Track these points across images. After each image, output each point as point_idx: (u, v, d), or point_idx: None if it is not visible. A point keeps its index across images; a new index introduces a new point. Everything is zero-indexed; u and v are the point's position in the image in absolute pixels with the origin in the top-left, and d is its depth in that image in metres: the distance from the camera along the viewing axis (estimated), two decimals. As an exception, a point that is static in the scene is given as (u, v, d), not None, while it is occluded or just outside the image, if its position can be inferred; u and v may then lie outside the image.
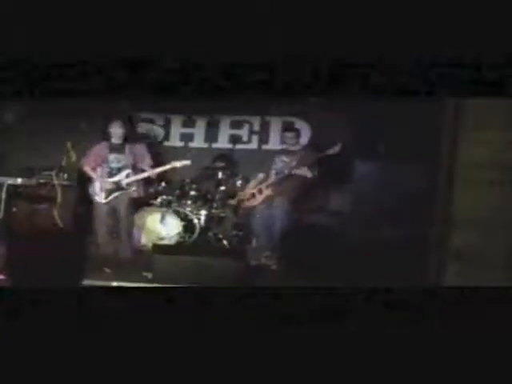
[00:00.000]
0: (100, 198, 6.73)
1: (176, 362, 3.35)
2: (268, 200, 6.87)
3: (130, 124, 7.48)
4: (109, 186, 6.69)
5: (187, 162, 6.97)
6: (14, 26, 3.61)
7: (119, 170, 6.73)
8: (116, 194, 6.70)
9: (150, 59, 3.77)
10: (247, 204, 7.15)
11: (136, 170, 6.81)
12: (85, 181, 6.92)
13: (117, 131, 6.75)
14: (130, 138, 6.95)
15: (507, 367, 3.30)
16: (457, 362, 3.35)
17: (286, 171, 6.81)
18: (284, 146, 7.21)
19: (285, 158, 6.94)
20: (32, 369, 3.29)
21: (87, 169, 6.81)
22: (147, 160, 6.88)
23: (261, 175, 7.12)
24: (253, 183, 7.17)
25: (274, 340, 3.44)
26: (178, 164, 6.94)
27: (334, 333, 3.46)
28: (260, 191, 6.98)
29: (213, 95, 3.89)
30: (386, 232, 6.15)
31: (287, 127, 7.68)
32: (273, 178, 6.93)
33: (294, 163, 6.80)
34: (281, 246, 6.58)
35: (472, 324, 3.50)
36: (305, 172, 6.69)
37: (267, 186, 6.93)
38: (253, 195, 7.07)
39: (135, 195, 6.83)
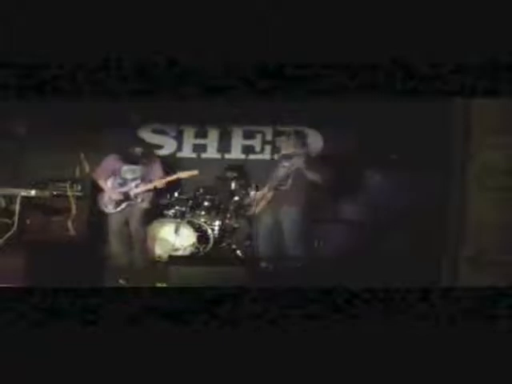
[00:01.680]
0: (110, 208, 6.75)
1: (180, 368, 3.35)
2: (270, 205, 6.77)
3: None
4: (117, 197, 6.71)
5: (194, 172, 6.96)
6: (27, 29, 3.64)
7: (132, 180, 6.76)
8: (124, 204, 6.71)
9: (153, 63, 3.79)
10: (255, 211, 7.07)
11: (147, 180, 6.82)
12: (97, 192, 6.93)
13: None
14: (144, 149, 6.96)
15: (508, 367, 3.28)
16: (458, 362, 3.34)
17: (288, 176, 6.68)
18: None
19: (286, 163, 6.80)
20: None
21: (99, 180, 6.83)
22: (158, 171, 6.89)
23: (269, 182, 7.02)
24: (259, 191, 7.07)
25: (275, 339, 3.44)
26: (183, 175, 6.95)
27: (339, 333, 3.46)
28: (264, 198, 6.88)
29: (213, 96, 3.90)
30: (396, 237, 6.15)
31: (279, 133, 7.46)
32: (275, 183, 6.70)
33: (293, 167, 6.66)
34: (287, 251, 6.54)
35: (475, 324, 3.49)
36: (312, 176, 6.57)
37: (270, 193, 6.72)
38: (258, 202, 6.98)
39: (145, 206, 6.83)
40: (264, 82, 3.91)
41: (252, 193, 7.15)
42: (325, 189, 6.70)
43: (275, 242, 6.63)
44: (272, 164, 7.10)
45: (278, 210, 6.62)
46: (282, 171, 6.67)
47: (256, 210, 6.85)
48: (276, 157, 7.55)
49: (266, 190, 6.76)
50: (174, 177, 6.93)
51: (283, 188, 6.60)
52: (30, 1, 3.71)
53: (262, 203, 6.77)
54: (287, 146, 6.83)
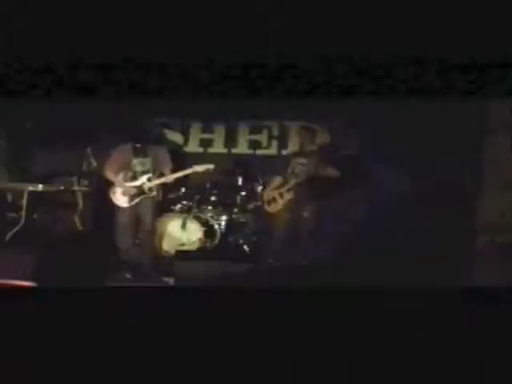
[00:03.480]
0: (123, 202, 6.70)
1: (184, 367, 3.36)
2: (290, 204, 6.78)
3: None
4: (132, 191, 6.66)
5: (210, 166, 6.94)
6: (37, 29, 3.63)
7: (143, 173, 6.71)
8: (139, 198, 6.67)
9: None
10: (269, 209, 7.06)
11: (157, 173, 6.78)
12: (106, 186, 6.89)
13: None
14: (152, 141, 6.94)
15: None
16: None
17: (307, 174, 6.69)
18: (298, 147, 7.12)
19: (301, 160, 6.83)
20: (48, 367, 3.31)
21: (109, 174, 6.77)
22: (168, 164, 6.85)
23: (278, 178, 7.01)
24: (271, 187, 7.08)
25: (276, 337, 3.45)
26: (199, 168, 6.91)
27: (352, 332, 3.47)
28: (281, 195, 6.88)
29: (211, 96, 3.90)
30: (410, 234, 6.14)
31: (303, 126, 7.46)
32: (293, 181, 6.81)
33: (311, 165, 6.68)
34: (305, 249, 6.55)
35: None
36: (330, 172, 6.58)
37: (288, 190, 6.82)
38: (274, 199, 6.97)
39: (157, 199, 6.81)
40: (271, 78, 3.90)
41: (269, 188, 7.11)
42: (339, 186, 6.71)
43: (291, 239, 6.66)
44: (284, 160, 7.12)
45: (296, 207, 6.65)
46: (301, 168, 6.69)
47: (275, 207, 6.87)
48: (286, 153, 7.62)
49: (288, 186, 6.76)
50: (190, 170, 6.90)
51: (300, 185, 6.63)
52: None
53: (281, 201, 6.79)
54: (302, 143, 6.88)
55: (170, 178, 6.77)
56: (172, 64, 3.91)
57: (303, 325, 3.57)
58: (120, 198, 6.70)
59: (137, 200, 6.66)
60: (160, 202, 6.89)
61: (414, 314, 3.58)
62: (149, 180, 6.69)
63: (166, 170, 6.79)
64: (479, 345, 3.39)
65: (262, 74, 3.92)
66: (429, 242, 5.90)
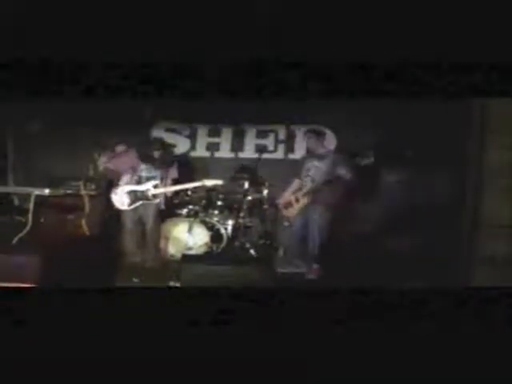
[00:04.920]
0: (122, 205, 6.74)
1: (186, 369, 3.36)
2: (305, 208, 6.77)
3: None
4: (134, 194, 6.70)
5: (219, 182, 6.98)
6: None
7: (148, 179, 6.76)
8: (140, 202, 6.71)
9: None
10: (285, 213, 7.06)
11: (164, 182, 6.81)
12: (111, 190, 6.93)
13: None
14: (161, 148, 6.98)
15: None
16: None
17: (321, 177, 6.66)
18: (307, 152, 7.12)
19: (316, 163, 6.82)
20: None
21: (114, 175, 6.83)
22: (174, 173, 6.89)
23: (296, 182, 6.98)
24: (289, 191, 7.05)
25: (279, 338, 3.46)
26: (208, 183, 6.95)
27: (368, 332, 3.47)
28: (297, 200, 6.86)
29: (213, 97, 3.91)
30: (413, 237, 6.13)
31: (310, 130, 7.46)
32: (308, 185, 6.75)
33: (327, 168, 6.67)
34: (317, 253, 6.53)
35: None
36: (345, 174, 6.54)
37: (304, 195, 6.78)
38: (290, 203, 6.97)
39: (160, 206, 6.85)
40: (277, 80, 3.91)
41: (287, 192, 7.09)
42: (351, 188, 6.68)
43: (304, 243, 6.66)
44: (299, 164, 7.12)
45: (311, 211, 6.64)
46: (316, 171, 6.67)
47: (292, 211, 6.86)
48: (300, 156, 7.62)
49: (304, 190, 6.74)
50: (199, 183, 6.95)
51: (317, 188, 6.62)
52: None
53: (297, 205, 6.78)
54: (311, 146, 6.87)
55: (176, 188, 6.83)
56: (174, 65, 3.93)
57: (306, 326, 3.57)
58: (120, 200, 6.74)
59: (137, 204, 6.71)
60: (163, 209, 6.93)
61: (414, 314, 3.58)
62: (154, 187, 6.73)
63: (170, 179, 6.83)
64: (479, 345, 3.38)
65: (265, 75, 3.93)
66: (429, 242, 5.89)
